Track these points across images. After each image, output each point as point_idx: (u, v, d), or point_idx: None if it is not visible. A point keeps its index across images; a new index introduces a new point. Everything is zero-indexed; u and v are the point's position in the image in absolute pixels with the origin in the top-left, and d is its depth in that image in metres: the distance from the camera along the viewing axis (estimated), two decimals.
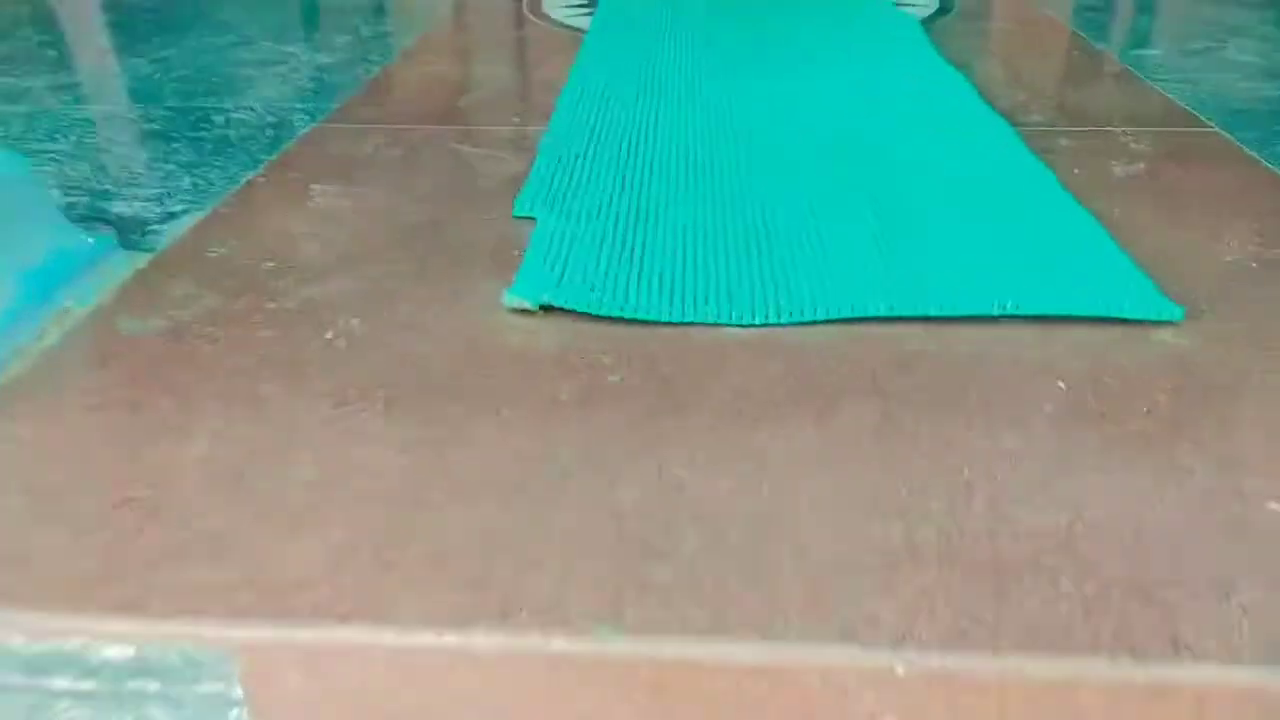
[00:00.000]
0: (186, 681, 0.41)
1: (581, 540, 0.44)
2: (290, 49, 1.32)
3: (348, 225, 0.77)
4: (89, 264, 0.70)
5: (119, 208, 0.83)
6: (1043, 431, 0.51)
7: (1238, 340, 0.59)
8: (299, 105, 1.07)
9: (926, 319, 0.60)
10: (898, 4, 1.47)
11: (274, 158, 0.91)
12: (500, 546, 0.44)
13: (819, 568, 0.42)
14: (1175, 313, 0.60)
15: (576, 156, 0.85)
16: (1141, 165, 0.85)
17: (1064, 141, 0.90)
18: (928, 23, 1.37)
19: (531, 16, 1.51)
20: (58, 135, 1.00)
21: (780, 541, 0.44)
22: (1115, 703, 0.38)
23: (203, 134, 0.99)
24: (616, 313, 0.61)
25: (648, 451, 0.50)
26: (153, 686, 0.41)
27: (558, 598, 0.41)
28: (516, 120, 1.00)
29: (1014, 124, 0.92)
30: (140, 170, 0.91)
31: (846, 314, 0.60)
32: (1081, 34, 1.35)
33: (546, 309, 0.63)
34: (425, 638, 0.40)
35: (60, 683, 0.42)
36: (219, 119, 1.03)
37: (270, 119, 1.03)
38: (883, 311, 0.60)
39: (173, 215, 0.81)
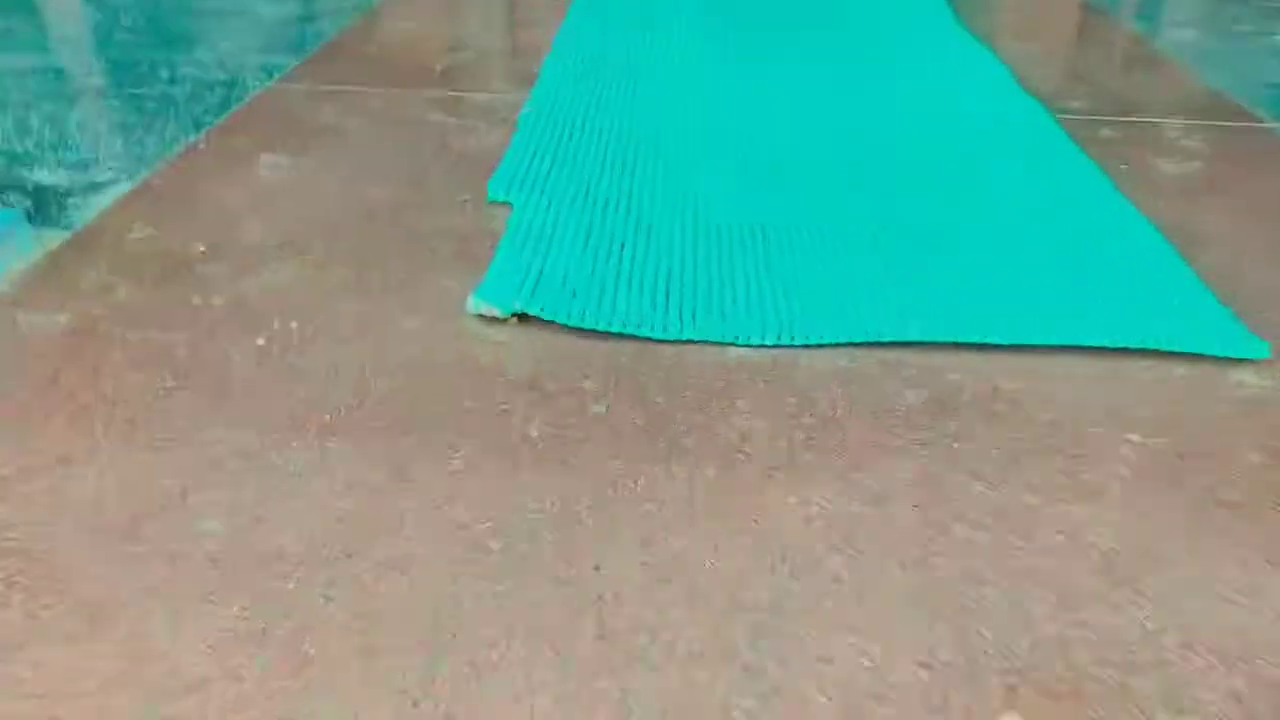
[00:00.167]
0: None
1: (546, 641, 0.35)
2: None
3: (296, 203, 0.67)
4: None
5: (39, 175, 0.72)
6: (1119, 503, 0.42)
7: None
8: (255, 61, 0.96)
9: (967, 346, 0.51)
10: None
11: (220, 120, 0.81)
12: (445, 645, 0.35)
13: (850, 691, 0.33)
14: (1260, 349, 0.51)
15: (561, 133, 0.75)
16: (1196, 164, 0.76)
17: (1106, 132, 0.81)
18: None
19: None
20: None
21: (801, 656, 0.35)
22: None
23: (144, 91, 0.89)
24: (602, 327, 0.52)
25: (635, 515, 0.40)
26: None
27: None
28: (498, 88, 0.90)
29: (1051, 111, 0.83)
30: (70, 131, 0.80)
31: (873, 337, 0.51)
32: (1107, 13, 1.25)
33: (520, 316, 0.53)
34: None
35: None
36: (164, 74, 0.93)
37: (221, 76, 0.92)
38: (916, 336, 0.51)
39: (98, 186, 0.70)
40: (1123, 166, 0.73)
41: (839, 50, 0.95)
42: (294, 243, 0.62)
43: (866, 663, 0.34)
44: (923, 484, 0.42)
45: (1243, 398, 0.49)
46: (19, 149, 0.76)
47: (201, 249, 0.61)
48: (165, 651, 0.34)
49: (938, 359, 0.51)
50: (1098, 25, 1.21)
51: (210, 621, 0.35)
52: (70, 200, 0.68)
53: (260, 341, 0.52)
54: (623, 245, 0.59)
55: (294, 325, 0.53)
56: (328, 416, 0.46)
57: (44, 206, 0.67)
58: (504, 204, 0.66)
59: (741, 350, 0.51)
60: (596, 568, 0.38)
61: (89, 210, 0.66)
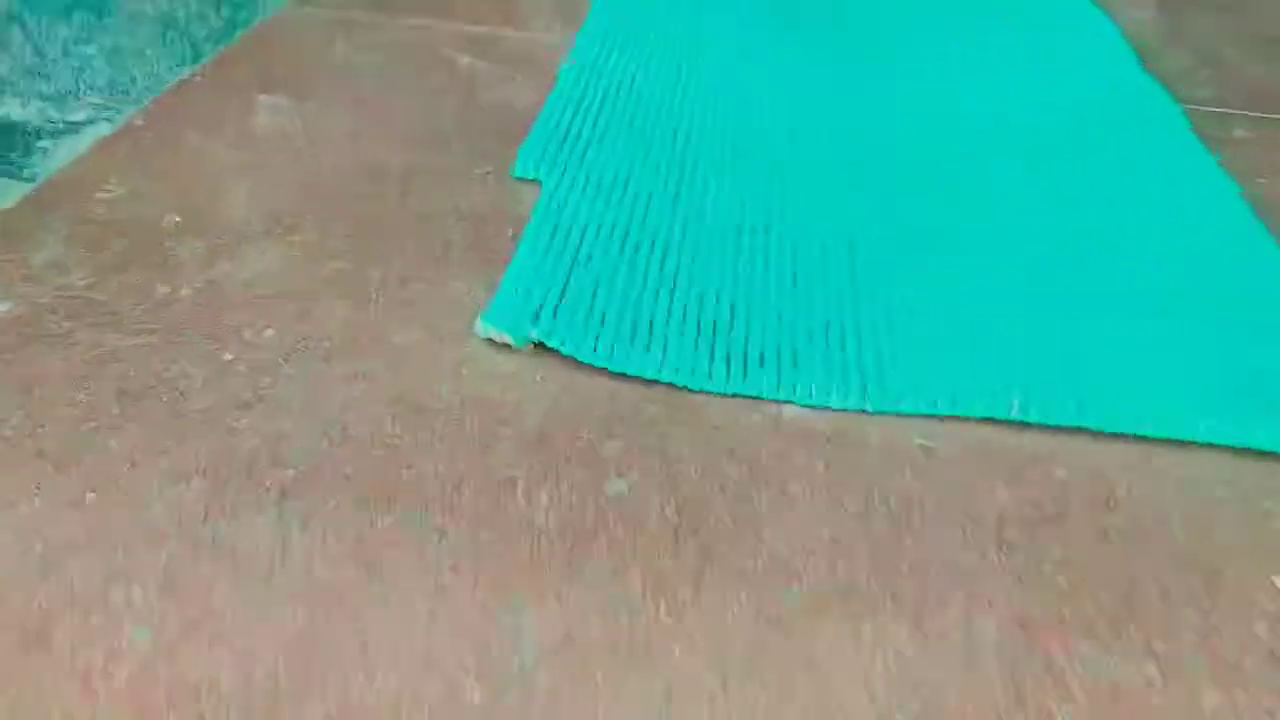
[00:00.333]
0: None
1: None
2: None
3: (291, 162, 0.58)
4: None
5: (8, 107, 0.63)
6: (1261, 685, 0.33)
7: None
8: None
9: (1086, 432, 0.42)
10: None
11: (222, 49, 0.71)
12: None
13: None
14: None
15: (605, 98, 0.64)
16: None
17: (1240, 132, 0.69)
18: None
19: None
20: None
21: None
22: None
23: (145, 7, 0.79)
24: (633, 371, 0.43)
25: (652, 659, 0.32)
26: None
27: None
28: (540, 24, 0.79)
29: (1174, 97, 0.71)
30: (53, 53, 0.71)
31: (972, 412, 0.42)
32: None
33: (537, 344, 0.45)
34: None
35: None
36: None
37: None
38: (1032, 417, 0.42)
39: (73, 126, 0.62)
40: (1261, 181, 0.62)
41: (954, 42, 0.79)
42: (283, 217, 0.53)
43: None
44: (1017, 636, 0.34)
45: None
46: None
47: (177, 219, 0.53)
48: None
49: (1039, 443, 0.41)
50: None
51: None
52: (38, 143, 0.60)
53: (228, 357, 0.44)
54: (663, 254, 0.50)
55: (268, 334, 0.45)
56: (292, 471, 0.38)
57: (8, 149, 0.59)
58: (534, 180, 0.57)
59: (800, 411, 0.42)
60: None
61: (58, 158, 0.58)
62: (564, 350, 0.43)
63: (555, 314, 0.45)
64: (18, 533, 0.35)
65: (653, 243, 0.51)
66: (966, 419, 0.42)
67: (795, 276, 0.49)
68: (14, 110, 0.63)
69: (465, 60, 0.71)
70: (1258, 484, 0.40)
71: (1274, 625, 0.35)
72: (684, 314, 0.46)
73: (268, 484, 0.37)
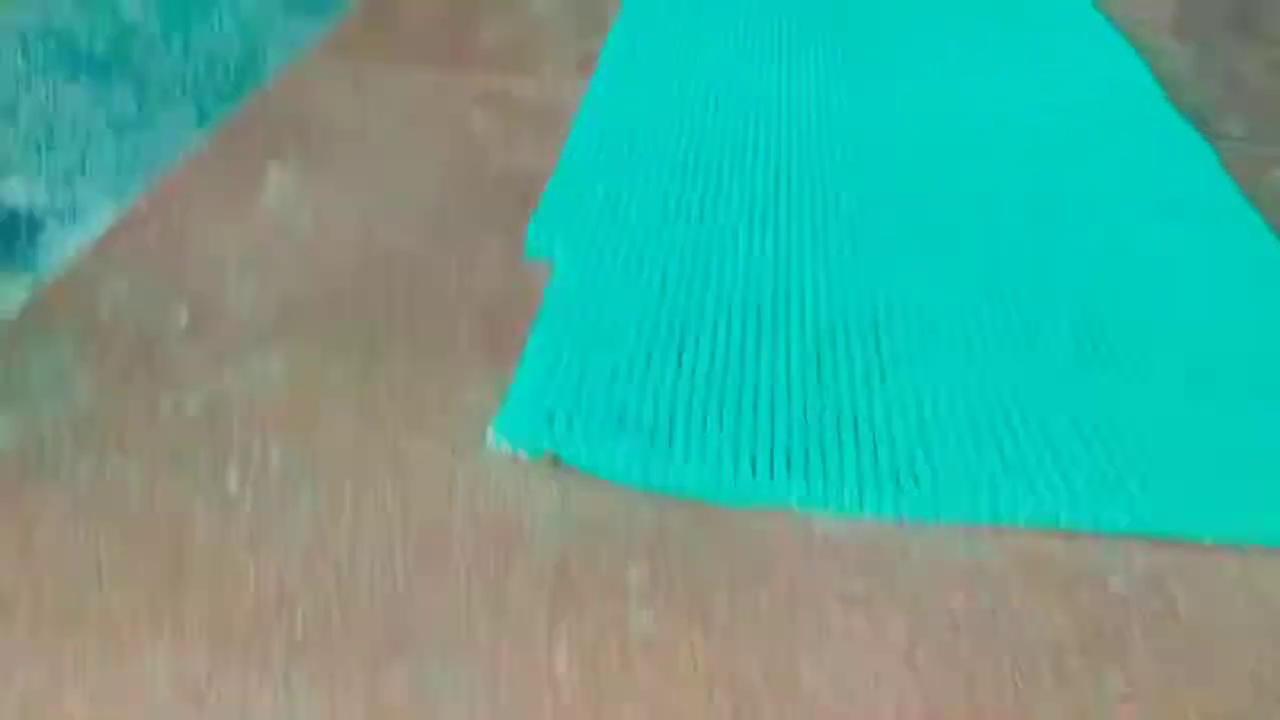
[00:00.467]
0: None
1: None
2: None
3: (300, 247, 0.57)
4: None
5: (9, 188, 0.62)
6: None
7: None
8: (279, 27, 0.84)
9: (1141, 539, 0.39)
10: None
11: (230, 113, 0.70)
12: None
13: None
14: None
15: (619, 157, 0.62)
16: None
17: (1278, 173, 0.64)
18: None
19: None
20: None
21: None
22: None
23: (150, 67, 0.77)
24: (656, 487, 0.41)
25: None
26: None
27: None
28: (550, 71, 0.77)
29: (1203, 134, 0.67)
30: (60, 126, 0.70)
31: (1021, 520, 0.39)
32: None
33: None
34: None
35: None
36: (176, 44, 0.81)
37: (238, 46, 0.80)
38: (1085, 526, 0.39)
39: (77, 212, 0.60)
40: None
41: (991, 76, 0.75)
42: (290, 308, 0.52)
43: None
44: None
45: None
46: None
47: (185, 318, 0.51)
48: None
49: (1091, 551, 0.39)
50: (1266, 13, 1.01)
51: None
52: (41, 233, 0.58)
53: (232, 485, 0.42)
54: (682, 340, 0.47)
55: (274, 455, 0.43)
56: (300, 627, 0.36)
57: (10, 238, 0.58)
58: (548, 259, 0.55)
59: (830, 524, 0.40)
60: None
61: (60, 250, 0.57)
62: (581, 467, 0.41)
63: (570, 422, 0.42)
64: None
65: (670, 324, 0.48)
66: (1013, 529, 0.39)
67: (812, 361, 0.46)
68: (15, 195, 0.62)
69: (478, 118, 0.69)
70: None
71: None
72: (704, 412, 0.43)
73: (273, 643, 0.35)
